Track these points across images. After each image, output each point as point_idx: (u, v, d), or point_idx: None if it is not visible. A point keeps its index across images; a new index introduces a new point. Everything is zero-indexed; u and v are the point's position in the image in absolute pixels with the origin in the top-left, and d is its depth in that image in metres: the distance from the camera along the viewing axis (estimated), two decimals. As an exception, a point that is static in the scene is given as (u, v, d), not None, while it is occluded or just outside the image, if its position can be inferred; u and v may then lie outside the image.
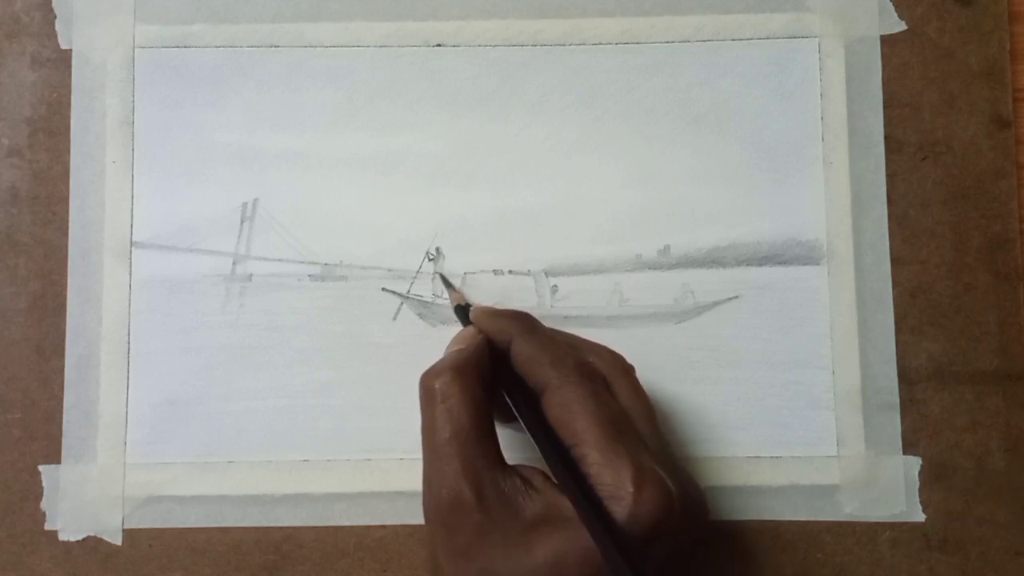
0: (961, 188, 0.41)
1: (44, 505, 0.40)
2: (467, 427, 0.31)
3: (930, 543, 0.40)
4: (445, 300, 0.41)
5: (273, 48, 0.42)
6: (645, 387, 0.34)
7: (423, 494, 0.32)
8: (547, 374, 0.32)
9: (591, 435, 0.30)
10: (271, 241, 0.41)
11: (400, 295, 0.41)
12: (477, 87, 0.42)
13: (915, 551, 0.40)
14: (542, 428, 0.32)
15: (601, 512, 0.29)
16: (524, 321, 0.35)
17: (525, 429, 0.32)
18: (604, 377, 0.33)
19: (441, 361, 0.33)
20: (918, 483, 0.40)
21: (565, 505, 0.29)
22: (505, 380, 0.33)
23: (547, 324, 0.39)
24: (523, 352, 0.33)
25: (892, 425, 0.40)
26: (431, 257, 0.41)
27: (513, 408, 0.33)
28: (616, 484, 0.29)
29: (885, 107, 0.41)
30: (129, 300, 0.41)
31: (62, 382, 0.40)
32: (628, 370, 0.34)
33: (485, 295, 0.41)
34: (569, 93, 0.42)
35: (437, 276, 0.41)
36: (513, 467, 0.31)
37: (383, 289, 0.41)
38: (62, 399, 0.40)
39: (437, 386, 0.31)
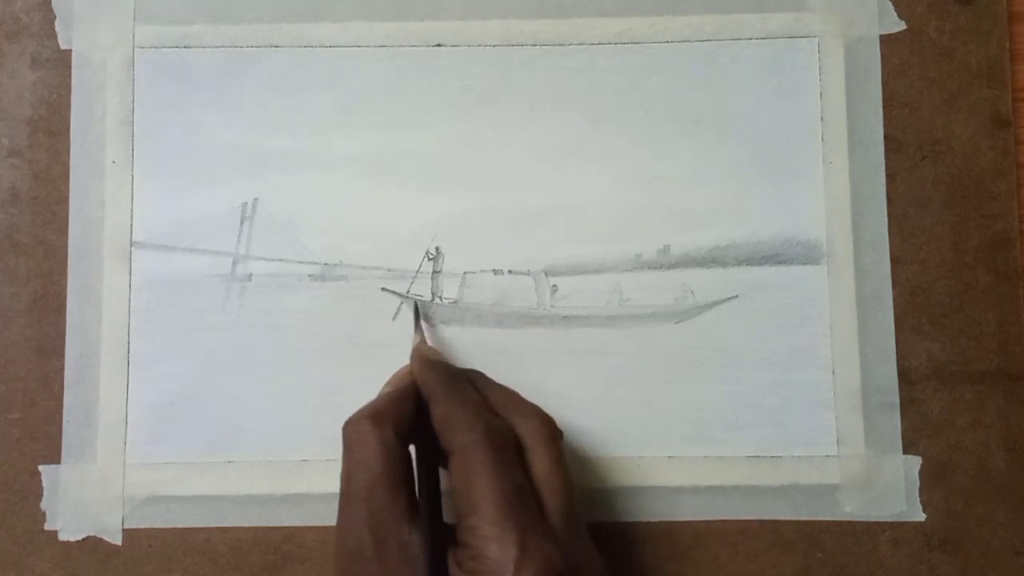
0: (961, 188, 0.41)
1: (44, 505, 0.40)
2: (377, 477, 0.31)
3: (930, 543, 0.40)
4: (445, 301, 0.41)
5: (273, 48, 0.42)
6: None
7: (334, 541, 0.32)
8: (455, 439, 0.32)
9: (483, 506, 0.30)
10: (271, 241, 0.41)
11: (400, 295, 0.41)
12: (477, 87, 0.42)
13: (915, 551, 0.40)
14: (431, 491, 0.32)
15: None
16: (446, 379, 0.35)
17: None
18: (517, 444, 0.33)
19: (362, 408, 0.33)
20: (918, 483, 0.40)
21: None
22: (427, 432, 0.33)
23: (547, 324, 0.39)
24: (438, 414, 0.33)
25: (892, 425, 0.40)
26: (431, 257, 0.41)
27: (415, 464, 0.33)
28: (498, 560, 0.29)
29: (885, 107, 0.41)
30: (129, 300, 0.41)
31: (62, 382, 0.40)
32: (554, 437, 0.34)
33: (485, 295, 0.41)
34: (569, 93, 0.42)
35: (412, 306, 0.40)
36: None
37: (383, 289, 0.41)
38: (62, 399, 0.40)
39: (353, 435, 0.32)
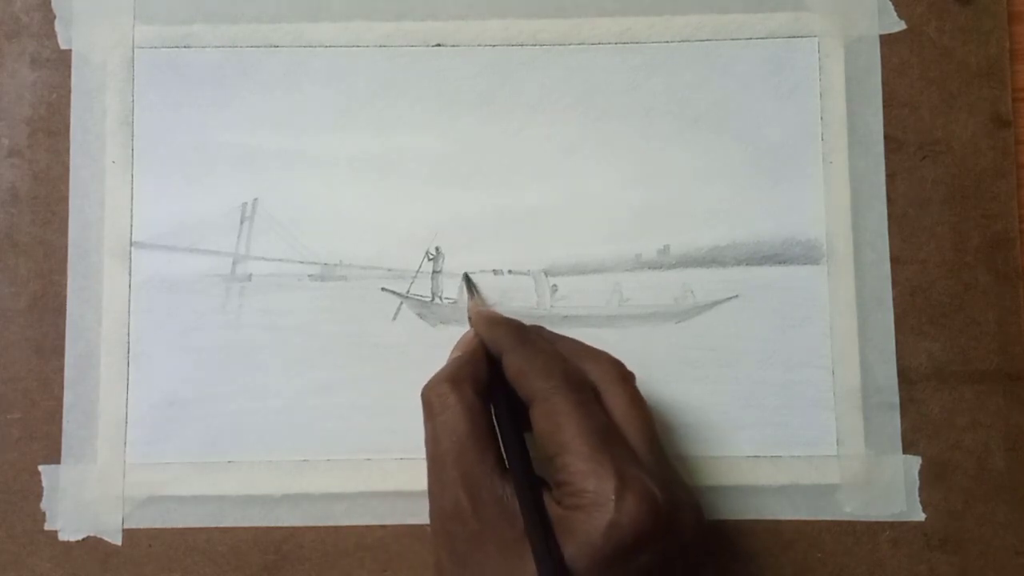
0: (961, 188, 0.41)
1: (44, 505, 0.40)
2: (464, 437, 0.31)
3: (930, 543, 0.40)
4: (446, 301, 0.41)
5: (273, 48, 0.42)
6: (645, 390, 0.34)
7: (429, 505, 0.32)
8: (534, 386, 0.32)
9: (575, 445, 0.30)
10: (271, 241, 0.41)
11: (400, 295, 0.41)
12: (477, 87, 0.42)
13: (915, 551, 0.40)
14: (516, 443, 0.32)
15: (550, 537, 0.29)
16: (516, 332, 0.35)
17: (520, 440, 0.33)
18: (594, 387, 0.33)
19: (439, 372, 0.34)
20: (918, 483, 0.40)
21: (556, 514, 0.30)
22: (501, 388, 0.34)
23: (547, 324, 0.39)
24: (513, 364, 0.33)
25: (892, 425, 0.40)
26: (431, 257, 0.41)
27: (495, 420, 0.33)
28: (597, 491, 0.29)
29: (885, 107, 0.41)
30: (129, 300, 0.41)
31: (62, 382, 0.40)
32: (627, 377, 0.34)
33: (485, 295, 0.41)
34: (569, 93, 0.42)
35: (463, 278, 0.41)
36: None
37: (383, 289, 0.41)
38: (62, 399, 0.40)
39: (434, 398, 0.32)
